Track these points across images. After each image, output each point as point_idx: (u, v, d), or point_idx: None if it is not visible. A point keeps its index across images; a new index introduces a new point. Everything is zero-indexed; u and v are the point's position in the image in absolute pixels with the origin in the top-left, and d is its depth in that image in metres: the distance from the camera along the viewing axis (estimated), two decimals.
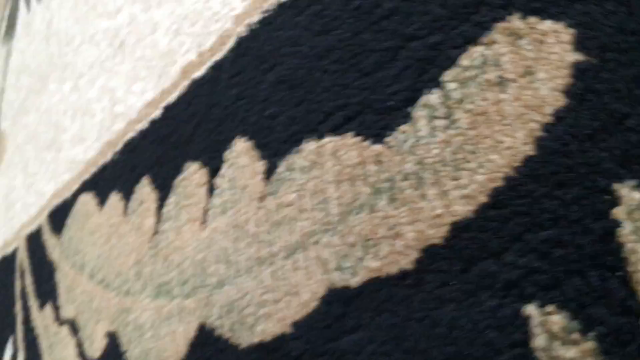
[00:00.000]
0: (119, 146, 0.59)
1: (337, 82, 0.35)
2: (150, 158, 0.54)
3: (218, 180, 0.44)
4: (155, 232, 0.50)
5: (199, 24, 0.50)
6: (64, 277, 0.66)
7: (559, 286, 0.25)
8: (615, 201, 0.24)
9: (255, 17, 0.43)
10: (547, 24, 0.27)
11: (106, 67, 0.66)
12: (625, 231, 0.24)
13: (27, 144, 0.85)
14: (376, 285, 0.31)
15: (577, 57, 0.26)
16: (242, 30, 0.44)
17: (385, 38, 0.32)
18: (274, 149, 0.39)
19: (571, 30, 0.26)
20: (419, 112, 0.30)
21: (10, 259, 0.83)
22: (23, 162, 0.86)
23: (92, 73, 0.69)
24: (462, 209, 0.28)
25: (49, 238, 0.71)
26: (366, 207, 0.32)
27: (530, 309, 0.25)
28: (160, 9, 0.56)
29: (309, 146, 0.36)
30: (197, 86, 0.49)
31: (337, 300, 0.33)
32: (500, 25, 0.28)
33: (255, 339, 0.37)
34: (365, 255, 0.31)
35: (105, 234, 0.58)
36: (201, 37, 0.49)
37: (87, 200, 0.63)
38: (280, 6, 0.40)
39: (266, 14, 0.42)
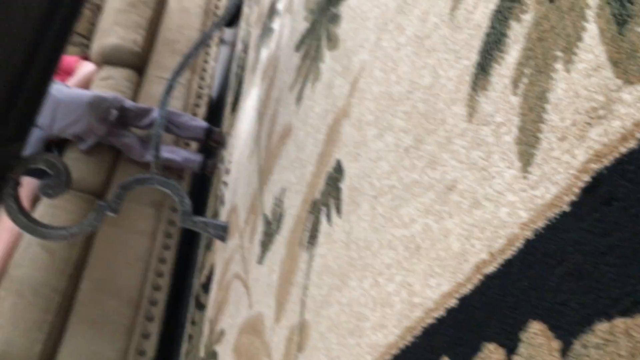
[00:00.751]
0: (418, 331, 0.72)
1: (622, 273, 0.43)
2: (448, 340, 0.65)
3: (515, 358, 0.52)
4: None
5: (488, 231, 0.62)
6: None
7: None
8: None
9: (540, 224, 0.54)
10: None
11: (403, 266, 0.81)
12: None
13: (330, 332, 1.03)
14: None
15: None
16: (528, 234, 0.55)
17: None
18: (567, 330, 0.47)
19: None
20: None
21: None
22: (326, 347, 1.02)
23: (390, 271, 0.85)
24: None
25: None
26: None
27: None
28: (452, 219, 0.71)
29: (601, 327, 0.44)
30: (489, 279, 0.60)
31: None
32: None
33: None
34: None
35: None
36: (491, 241, 0.62)
37: None
38: (563, 214, 0.51)
39: (550, 221, 0.53)
